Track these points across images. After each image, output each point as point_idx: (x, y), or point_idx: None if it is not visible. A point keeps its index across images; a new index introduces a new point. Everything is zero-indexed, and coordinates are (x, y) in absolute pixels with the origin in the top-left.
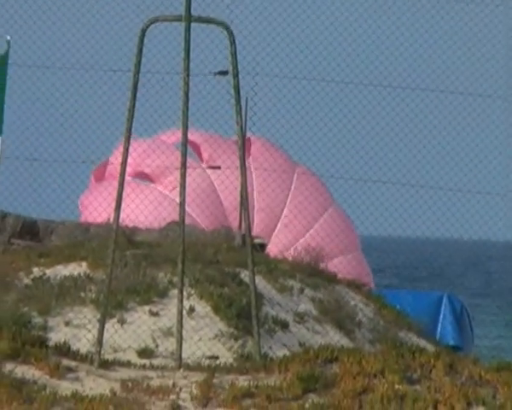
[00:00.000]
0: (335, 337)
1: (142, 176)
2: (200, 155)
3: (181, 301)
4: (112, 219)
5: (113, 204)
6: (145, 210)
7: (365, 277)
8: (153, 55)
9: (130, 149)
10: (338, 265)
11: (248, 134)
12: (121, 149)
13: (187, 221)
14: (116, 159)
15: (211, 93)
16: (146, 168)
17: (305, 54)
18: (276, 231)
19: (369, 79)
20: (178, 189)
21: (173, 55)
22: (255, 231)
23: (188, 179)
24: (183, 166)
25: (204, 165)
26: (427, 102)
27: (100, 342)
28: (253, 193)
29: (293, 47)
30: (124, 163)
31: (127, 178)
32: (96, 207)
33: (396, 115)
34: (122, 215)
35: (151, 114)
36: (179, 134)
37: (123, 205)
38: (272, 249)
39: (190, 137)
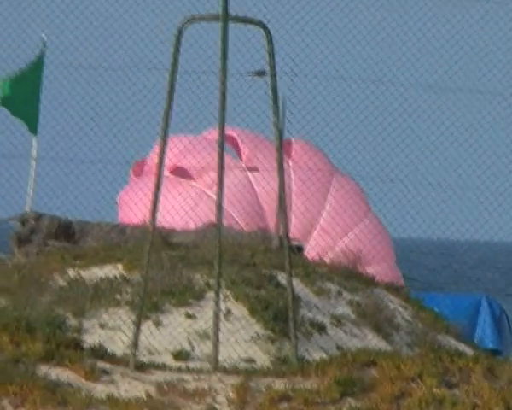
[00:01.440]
0: (373, 341)
1: (182, 172)
2: (239, 152)
3: (217, 303)
4: (148, 220)
5: (149, 201)
6: (181, 210)
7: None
8: (189, 55)
9: (171, 145)
10: (372, 273)
11: (287, 136)
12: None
13: (226, 221)
14: (155, 154)
15: (248, 93)
16: (186, 164)
17: (343, 54)
18: (314, 234)
19: (409, 80)
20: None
21: (210, 55)
22: (292, 233)
23: (226, 180)
24: (221, 167)
25: (243, 164)
26: (463, 102)
27: (135, 344)
28: (292, 195)
29: (332, 47)
30: (160, 164)
31: (167, 173)
32: (135, 203)
33: (437, 117)
34: (158, 215)
35: (187, 115)
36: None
37: (159, 204)
38: (309, 253)
39: (231, 133)
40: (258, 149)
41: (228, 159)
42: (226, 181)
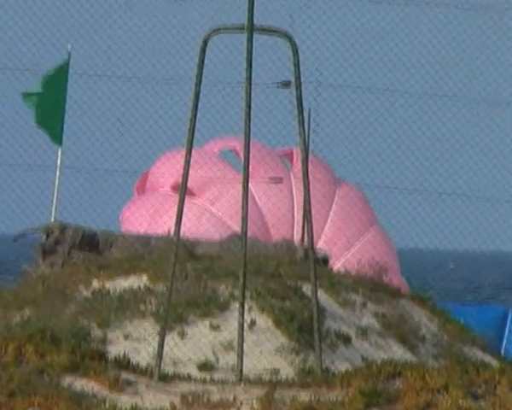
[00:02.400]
0: (399, 352)
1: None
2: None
3: (242, 314)
4: (172, 232)
5: (149, 216)
6: (182, 227)
7: (385, 271)
8: (214, 66)
9: (174, 162)
10: (352, 258)
11: (312, 146)
12: (163, 159)
13: (227, 234)
14: (157, 169)
15: (273, 104)
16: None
17: (369, 64)
18: (318, 246)
19: (437, 92)
20: (220, 201)
21: (235, 66)
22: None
23: (228, 194)
24: (246, 179)
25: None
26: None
27: (160, 355)
28: (294, 206)
29: (357, 57)
30: (185, 175)
31: (168, 190)
32: (136, 218)
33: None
34: (164, 228)
35: (213, 125)
36: (221, 143)
37: (166, 218)
38: None
39: (236, 146)
40: (262, 160)
41: (231, 173)
42: (228, 196)
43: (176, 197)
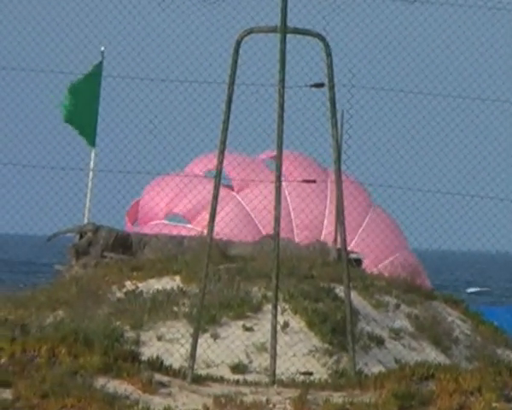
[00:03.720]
0: (432, 354)
1: (176, 216)
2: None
3: (275, 316)
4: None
5: None
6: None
7: (418, 274)
8: (247, 67)
9: (159, 190)
10: (384, 269)
11: (344, 147)
12: (153, 188)
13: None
14: (148, 202)
15: (306, 105)
16: (177, 209)
17: (402, 66)
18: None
19: (467, 92)
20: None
21: (268, 67)
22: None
23: (223, 211)
24: (278, 179)
25: (299, 178)
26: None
27: (193, 357)
28: (288, 208)
29: (390, 58)
30: (218, 175)
31: (161, 220)
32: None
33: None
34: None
35: (246, 127)
36: (207, 162)
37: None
38: None
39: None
40: (247, 168)
41: (224, 191)
42: (225, 211)
43: (170, 226)
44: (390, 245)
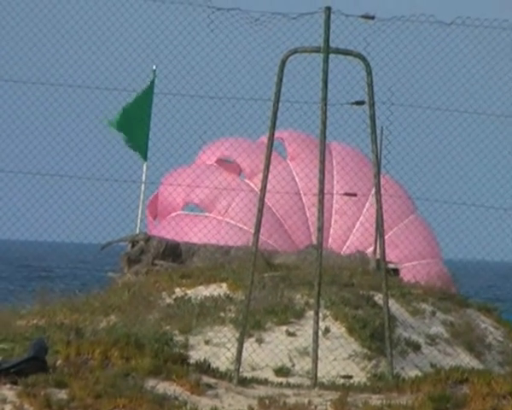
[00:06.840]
0: (466, 359)
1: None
2: (242, 170)
3: (317, 322)
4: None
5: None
6: (204, 238)
7: (446, 283)
8: (292, 85)
9: (180, 181)
10: (411, 269)
11: (384, 163)
12: (169, 179)
13: (246, 240)
14: (166, 197)
15: (347, 122)
16: (195, 198)
17: (439, 85)
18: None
19: (501, 110)
20: (229, 211)
21: (312, 85)
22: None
23: (237, 197)
24: (321, 192)
25: (341, 192)
26: None
27: (239, 360)
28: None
29: (428, 77)
30: (263, 189)
31: (179, 211)
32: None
33: None
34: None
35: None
36: (215, 149)
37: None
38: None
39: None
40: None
41: (235, 181)
42: (244, 202)
43: (191, 215)
44: (422, 250)
